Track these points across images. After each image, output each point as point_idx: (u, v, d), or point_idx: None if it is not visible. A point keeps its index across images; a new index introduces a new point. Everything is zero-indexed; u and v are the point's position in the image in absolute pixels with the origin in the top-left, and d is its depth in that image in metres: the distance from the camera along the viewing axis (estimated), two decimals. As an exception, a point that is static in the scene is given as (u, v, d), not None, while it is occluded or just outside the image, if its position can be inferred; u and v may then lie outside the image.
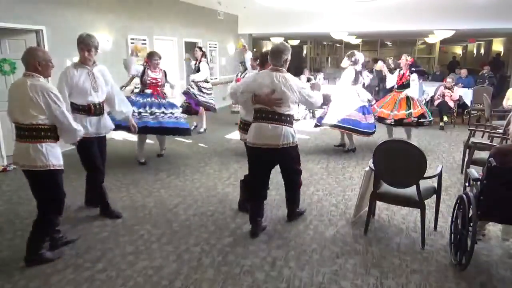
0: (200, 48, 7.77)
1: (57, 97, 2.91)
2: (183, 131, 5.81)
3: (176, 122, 5.65)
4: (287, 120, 3.40)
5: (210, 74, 8.06)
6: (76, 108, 3.63)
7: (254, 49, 15.02)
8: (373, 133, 6.22)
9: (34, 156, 2.88)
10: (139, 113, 5.45)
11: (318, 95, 3.66)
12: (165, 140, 6.28)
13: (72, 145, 3.49)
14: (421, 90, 8.73)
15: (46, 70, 2.97)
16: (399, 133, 7.17)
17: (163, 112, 5.60)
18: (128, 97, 5.79)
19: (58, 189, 3.05)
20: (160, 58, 5.72)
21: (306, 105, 3.98)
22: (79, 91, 3.63)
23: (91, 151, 3.75)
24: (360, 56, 6.13)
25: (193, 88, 7.63)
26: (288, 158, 3.54)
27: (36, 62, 2.88)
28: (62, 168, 3.05)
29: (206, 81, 7.82)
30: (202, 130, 7.99)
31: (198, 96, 7.62)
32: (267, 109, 3.35)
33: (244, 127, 3.96)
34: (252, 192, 3.61)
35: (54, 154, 2.97)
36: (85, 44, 3.61)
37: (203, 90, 7.72)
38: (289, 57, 3.40)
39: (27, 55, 2.92)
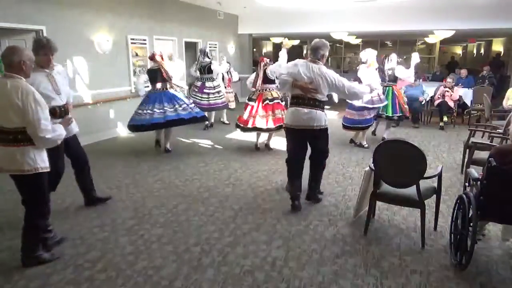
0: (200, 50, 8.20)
1: (37, 102, 2.74)
2: (201, 119, 6.27)
3: (194, 113, 6.08)
4: (320, 106, 3.87)
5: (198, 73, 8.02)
6: None
7: (254, 49, 15.02)
8: (370, 125, 6.69)
9: (22, 160, 2.78)
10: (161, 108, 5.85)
11: (362, 87, 4.18)
12: (169, 136, 6.36)
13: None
14: (421, 90, 8.75)
15: (29, 70, 2.85)
16: (399, 133, 7.17)
17: (183, 103, 6.06)
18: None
19: (43, 192, 2.98)
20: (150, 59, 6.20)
21: (347, 96, 4.28)
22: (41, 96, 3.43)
23: (53, 151, 3.39)
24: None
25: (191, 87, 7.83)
26: (319, 139, 3.97)
27: (21, 61, 2.75)
28: (48, 170, 2.98)
29: (198, 79, 7.93)
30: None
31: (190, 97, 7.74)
32: (304, 95, 3.81)
33: None
34: (291, 171, 4.08)
35: (42, 156, 2.89)
36: (49, 49, 3.46)
37: (193, 89, 7.95)
38: (327, 53, 3.87)
39: (12, 54, 2.75)
